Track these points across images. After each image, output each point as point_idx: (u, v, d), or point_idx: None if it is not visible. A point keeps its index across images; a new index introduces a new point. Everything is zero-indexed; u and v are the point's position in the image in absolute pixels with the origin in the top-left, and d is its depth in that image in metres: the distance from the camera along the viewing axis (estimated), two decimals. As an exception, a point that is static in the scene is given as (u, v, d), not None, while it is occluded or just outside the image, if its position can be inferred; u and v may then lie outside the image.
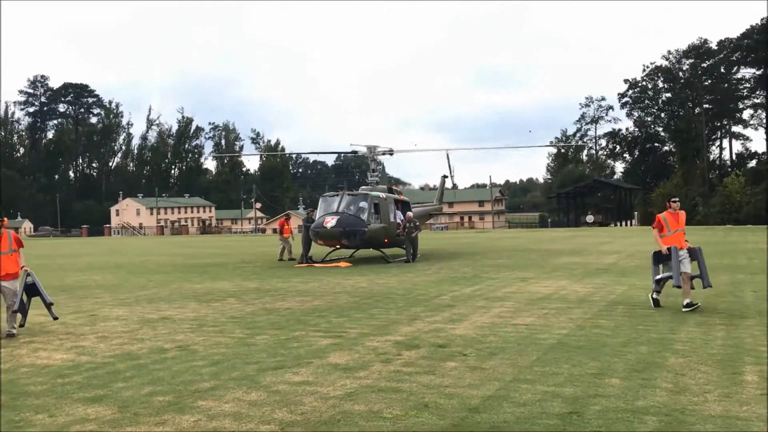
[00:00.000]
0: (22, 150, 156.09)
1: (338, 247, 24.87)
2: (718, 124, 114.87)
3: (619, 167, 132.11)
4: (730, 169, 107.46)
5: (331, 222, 23.43)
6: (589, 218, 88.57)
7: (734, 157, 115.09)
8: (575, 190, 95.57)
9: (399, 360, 8.32)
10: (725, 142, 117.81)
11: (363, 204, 24.34)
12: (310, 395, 6.79)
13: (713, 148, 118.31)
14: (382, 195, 25.47)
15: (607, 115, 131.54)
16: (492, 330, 10.23)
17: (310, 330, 10.65)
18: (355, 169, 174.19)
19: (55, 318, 11.05)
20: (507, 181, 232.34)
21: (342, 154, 33.24)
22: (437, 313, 12.08)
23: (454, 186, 37.25)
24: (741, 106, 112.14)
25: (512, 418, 5.90)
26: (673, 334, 9.56)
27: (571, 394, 6.61)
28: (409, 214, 25.88)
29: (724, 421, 5.68)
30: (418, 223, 26.06)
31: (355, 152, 29.84)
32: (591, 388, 6.80)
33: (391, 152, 28.35)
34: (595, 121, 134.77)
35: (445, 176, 35.87)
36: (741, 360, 7.89)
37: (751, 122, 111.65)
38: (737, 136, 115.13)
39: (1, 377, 6.09)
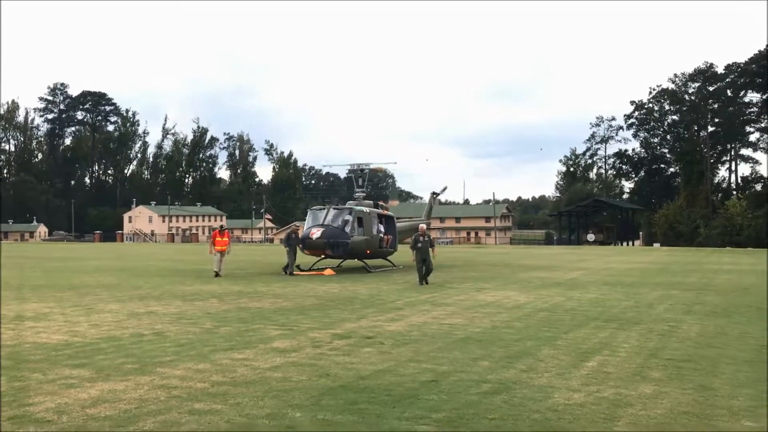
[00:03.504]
0: (40, 156, 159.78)
1: (323, 256, 26.88)
2: (729, 147, 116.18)
3: (628, 187, 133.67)
4: (734, 192, 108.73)
5: (316, 234, 25.50)
6: (590, 237, 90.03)
7: (739, 180, 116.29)
8: (577, 209, 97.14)
9: (328, 346, 10.28)
10: (733, 165, 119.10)
11: (347, 217, 26.39)
12: (244, 367, 8.77)
13: (722, 170, 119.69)
14: (366, 210, 27.52)
15: (617, 134, 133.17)
16: (419, 327, 12.17)
17: (268, 324, 12.63)
18: (367, 183, 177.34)
19: None
20: (519, 198, 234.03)
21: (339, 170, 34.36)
22: (383, 314, 14.03)
23: (438, 201, 38.56)
24: (749, 129, 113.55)
25: (386, 382, 7.85)
26: (565, 334, 11.45)
27: (443, 370, 8.54)
28: (422, 226, 23.81)
29: (540, 389, 7.58)
30: (431, 237, 23.74)
31: (343, 175, 31.82)
32: (462, 367, 8.73)
33: (364, 169, 30.21)
34: (605, 140, 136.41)
35: (434, 193, 37.86)
36: (598, 352, 9.78)
37: (761, 146, 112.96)
38: (746, 159, 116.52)
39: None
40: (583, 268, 29.52)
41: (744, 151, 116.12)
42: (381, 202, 31.42)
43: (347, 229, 26.06)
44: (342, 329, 11.99)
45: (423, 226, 24.10)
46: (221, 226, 27.82)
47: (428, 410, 6.69)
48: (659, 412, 6.67)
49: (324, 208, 27.45)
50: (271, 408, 6.77)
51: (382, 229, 28.23)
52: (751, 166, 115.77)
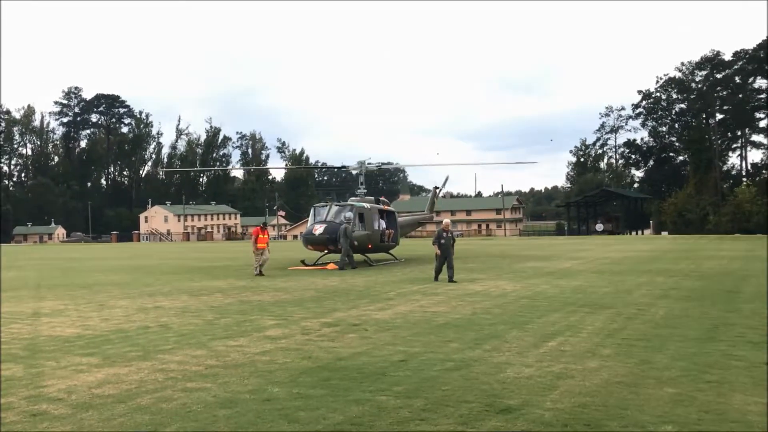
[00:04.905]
0: (56, 159, 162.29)
1: (326, 252, 27.86)
2: (738, 133, 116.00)
3: (638, 176, 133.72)
4: (744, 179, 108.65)
5: (319, 230, 26.51)
6: (599, 227, 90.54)
7: (749, 166, 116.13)
8: (585, 199, 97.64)
9: (316, 334, 11.21)
10: (743, 152, 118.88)
11: (349, 214, 27.37)
12: (236, 352, 9.72)
13: (732, 157, 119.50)
14: (367, 206, 28.49)
15: (626, 124, 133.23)
16: (404, 315, 13.08)
17: (265, 315, 13.59)
18: (379, 177, 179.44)
19: None
20: (532, 189, 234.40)
21: (341, 169, 34.87)
22: (374, 304, 14.95)
23: (450, 195, 39.63)
24: (758, 115, 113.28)
25: (359, 362, 8.78)
26: (538, 318, 12.31)
27: (414, 351, 9.46)
28: (447, 221, 22.20)
29: (496, 365, 8.48)
30: (453, 233, 22.26)
31: (345, 166, 32.88)
32: (432, 348, 9.64)
33: (379, 166, 31.21)
34: (614, 130, 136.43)
35: (436, 187, 38.84)
36: (561, 333, 10.65)
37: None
38: (757, 145, 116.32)
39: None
40: (580, 258, 30.31)
41: (755, 137, 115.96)
42: (382, 198, 32.34)
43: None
44: (332, 318, 12.92)
45: (447, 221, 22.22)
46: (263, 223, 26.11)
47: (391, 384, 7.61)
48: (595, 382, 7.54)
49: (326, 205, 28.46)
50: (254, 385, 7.71)
51: (383, 224, 29.18)
52: (763, 152, 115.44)
